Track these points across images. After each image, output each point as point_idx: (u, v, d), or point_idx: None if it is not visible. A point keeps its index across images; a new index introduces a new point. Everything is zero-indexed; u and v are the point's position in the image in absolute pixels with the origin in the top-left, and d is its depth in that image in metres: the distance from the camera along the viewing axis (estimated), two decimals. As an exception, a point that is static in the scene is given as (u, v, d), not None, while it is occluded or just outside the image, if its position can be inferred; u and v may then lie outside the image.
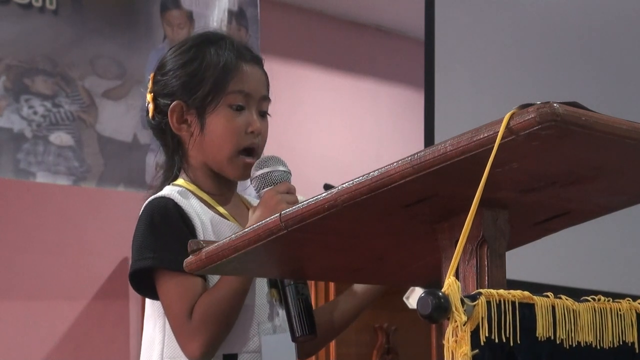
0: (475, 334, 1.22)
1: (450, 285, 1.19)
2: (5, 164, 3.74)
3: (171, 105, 1.98)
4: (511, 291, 1.28)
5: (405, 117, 6.09)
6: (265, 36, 4.60)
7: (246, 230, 1.49)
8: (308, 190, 2.17)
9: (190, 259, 1.56)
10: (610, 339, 1.39)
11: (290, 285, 1.85)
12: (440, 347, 2.25)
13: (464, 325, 1.21)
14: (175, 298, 1.85)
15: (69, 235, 4.61)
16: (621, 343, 1.40)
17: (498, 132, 1.22)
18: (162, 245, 1.86)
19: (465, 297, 1.22)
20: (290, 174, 1.90)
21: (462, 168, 1.28)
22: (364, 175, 1.34)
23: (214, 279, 1.88)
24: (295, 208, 1.41)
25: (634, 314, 1.43)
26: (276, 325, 1.94)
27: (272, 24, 5.13)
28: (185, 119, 1.98)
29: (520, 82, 3.85)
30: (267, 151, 1.98)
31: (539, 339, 1.30)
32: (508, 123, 1.22)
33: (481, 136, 1.25)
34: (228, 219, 1.96)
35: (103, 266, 4.67)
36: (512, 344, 1.26)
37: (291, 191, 1.87)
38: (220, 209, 1.97)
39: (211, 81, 1.96)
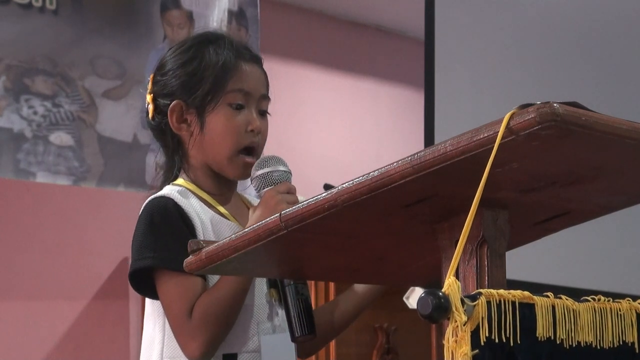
0: (475, 334, 1.22)
1: (451, 285, 1.19)
2: (5, 164, 3.74)
3: (171, 105, 1.98)
4: (511, 291, 1.28)
5: (405, 117, 6.08)
6: (265, 36, 4.60)
7: (246, 230, 1.49)
8: (308, 190, 2.16)
9: (190, 259, 1.56)
10: (610, 339, 1.39)
11: (290, 285, 1.85)
12: (440, 347, 2.25)
13: (464, 325, 1.21)
14: (175, 298, 1.85)
15: (69, 235, 4.61)
16: (621, 343, 1.40)
17: (498, 132, 1.22)
18: (162, 244, 1.86)
19: (465, 297, 1.22)
20: (291, 174, 1.90)
21: (462, 168, 1.28)
22: (364, 175, 1.34)
23: (213, 278, 1.88)
24: (295, 208, 1.41)
25: (634, 314, 1.43)
26: (276, 325, 1.94)
27: (272, 24, 5.13)
28: (185, 119, 1.98)
29: (520, 82, 3.85)
30: (267, 151, 1.98)
31: (539, 339, 1.30)
32: (508, 123, 1.22)
33: (481, 136, 1.25)
34: (228, 219, 1.96)
35: (103, 266, 4.67)
36: (512, 344, 1.26)
37: (291, 191, 1.87)
38: (221, 209, 1.97)
39: (210, 80, 1.96)
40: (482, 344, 1.22)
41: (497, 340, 1.24)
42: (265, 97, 2.01)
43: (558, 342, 1.32)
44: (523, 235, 1.64)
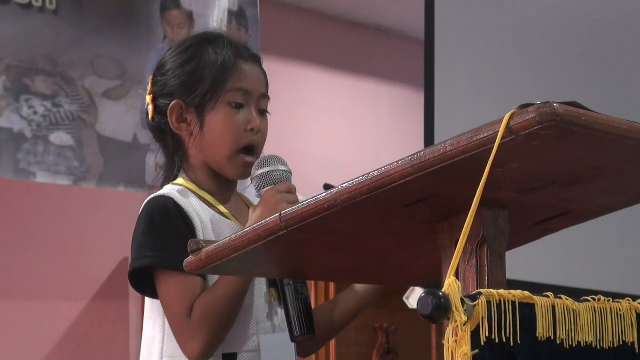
0: (475, 334, 1.22)
1: (451, 285, 1.19)
2: (5, 164, 3.74)
3: (170, 105, 1.98)
4: (511, 291, 1.28)
5: (405, 117, 6.08)
6: (265, 36, 4.60)
7: (246, 230, 1.49)
8: (308, 190, 2.16)
9: (190, 259, 1.56)
10: (610, 339, 1.39)
11: (289, 285, 1.85)
12: (440, 347, 2.25)
13: (464, 325, 1.21)
14: (175, 297, 1.85)
15: (69, 235, 4.61)
16: (621, 343, 1.40)
17: (498, 132, 1.22)
18: (162, 244, 1.86)
19: (465, 297, 1.22)
20: (291, 173, 1.90)
21: (462, 168, 1.28)
22: (364, 175, 1.34)
23: (213, 278, 1.88)
24: (295, 208, 1.41)
25: (634, 314, 1.43)
26: (275, 324, 1.94)
27: (272, 24, 5.13)
28: (184, 118, 1.98)
29: (520, 82, 3.85)
30: (267, 151, 1.98)
31: (539, 339, 1.30)
32: (508, 123, 1.22)
33: (481, 136, 1.25)
34: (228, 218, 1.96)
35: (103, 266, 4.67)
36: (512, 344, 1.26)
37: (292, 191, 1.87)
38: (221, 208, 1.97)
39: (210, 79, 1.96)
40: (482, 344, 1.22)
41: (497, 340, 1.24)
42: (265, 96, 2.01)
43: (558, 342, 1.32)
44: (523, 235, 1.64)
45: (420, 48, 3.93)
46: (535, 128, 1.21)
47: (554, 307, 1.32)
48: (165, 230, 1.88)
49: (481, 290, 1.26)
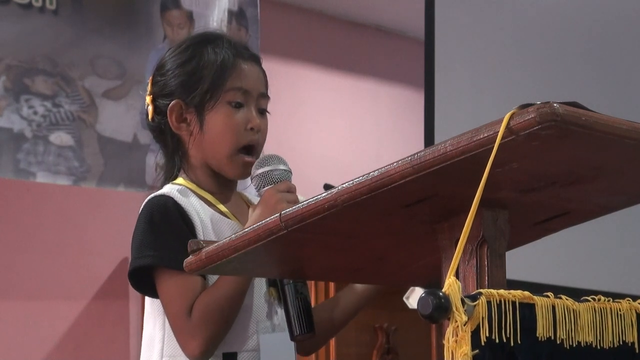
0: (475, 334, 1.22)
1: (451, 285, 1.19)
2: (5, 164, 3.74)
3: (170, 105, 1.98)
4: (511, 291, 1.28)
5: (405, 117, 6.09)
6: (265, 36, 4.60)
7: (246, 230, 1.49)
8: (308, 190, 2.16)
9: (190, 259, 1.56)
10: (610, 339, 1.39)
11: (289, 284, 1.85)
12: (440, 347, 2.25)
13: (464, 325, 1.21)
14: (175, 296, 1.85)
15: (69, 235, 4.61)
16: (621, 343, 1.40)
17: (498, 132, 1.22)
18: (162, 243, 1.86)
19: (465, 297, 1.22)
20: (291, 172, 1.90)
21: (462, 168, 1.28)
22: (364, 175, 1.34)
23: (213, 277, 1.88)
24: (295, 208, 1.41)
25: (634, 314, 1.43)
26: (275, 324, 1.94)
27: (272, 24, 5.13)
28: (184, 118, 1.98)
29: (520, 82, 3.85)
30: (267, 151, 1.98)
31: (540, 339, 1.30)
32: (508, 123, 1.22)
33: (481, 136, 1.25)
34: (228, 217, 1.96)
35: (103, 266, 4.67)
36: (512, 344, 1.26)
37: (291, 190, 1.87)
38: (221, 207, 1.97)
39: (209, 79, 1.96)
40: (483, 344, 1.22)
41: (497, 340, 1.24)
42: (265, 96, 2.01)
43: (558, 342, 1.32)
44: (523, 235, 1.64)
45: (420, 48, 3.93)
46: (535, 128, 1.21)
47: (554, 307, 1.32)
48: (165, 229, 1.88)
49: (481, 290, 1.26)
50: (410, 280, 2.07)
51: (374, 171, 1.33)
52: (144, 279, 1.90)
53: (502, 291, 1.27)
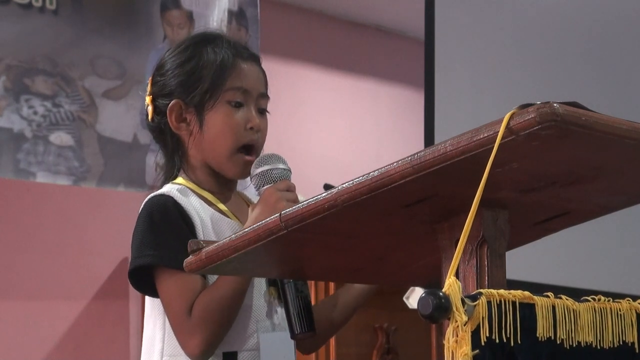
0: (475, 334, 1.22)
1: (451, 285, 1.19)
2: (5, 164, 3.74)
3: (170, 105, 1.98)
4: (511, 291, 1.28)
5: (405, 117, 6.09)
6: (265, 36, 4.60)
7: (246, 230, 1.49)
8: (308, 190, 2.17)
9: (190, 259, 1.56)
10: (610, 339, 1.39)
11: (289, 283, 1.85)
12: (440, 347, 2.25)
13: (464, 325, 1.21)
14: (175, 295, 1.86)
15: (69, 235, 4.61)
16: (621, 343, 1.40)
17: (498, 132, 1.22)
18: (162, 242, 1.86)
19: (465, 297, 1.22)
20: (290, 171, 1.90)
21: (462, 168, 1.28)
22: (364, 175, 1.34)
23: (213, 276, 1.88)
24: (295, 208, 1.41)
25: (634, 314, 1.43)
26: (275, 323, 1.94)
27: (272, 24, 5.13)
28: (184, 118, 1.98)
29: (520, 82, 3.85)
30: (267, 151, 1.98)
31: (540, 339, 1.30)
32: (508, 123, 1.22)
33: (481, 136, 1.25)
34: (228, 216, 1.96)
35: (103, 266, 4.67)
36: (512, 344, 1.26)
37: (291, 189, 1.87)
38: (221, 206, 1.97)
39: (209, 78, 1.97)
40: (483, 344, 1.22)
41: (497, 341, 1.24)
42: (264, 96, 2.01)
43: (558, 342, 1.32)
44: (523, 235, 1.64)
45: (420, 48, 3.93)
46: (535, 128, 1.21)
47: (554, 307, 1.32)
48: (165, 228, 1.88)
49: (481, 290, 1.26)
50: (410, 280, 2.07)
51: (374, 171, 1.33)
52: (144, 279, 1.90)
53: (502, 291, 1.27)
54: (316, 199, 1.38)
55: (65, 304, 4.57)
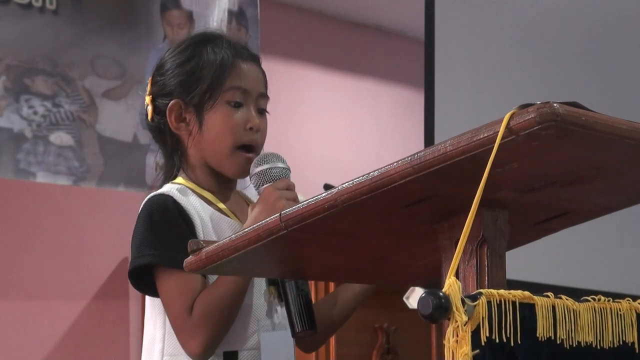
0: (475, 334, 1.22)
1: (451, 285, 1.19)
2: (5, 164, 3.74)
3: (169, 104, 1.98)
4: (512, 291, 1.28)
5: (405, 117, 6.09)
6: (265, 36, 4.60)
7: (246, 230, 1.49)
8: (308, 190, 2.17)
9: (190, 259, 1.56)
10: (610, 339, 1.39)
11: (289, 282, 1.85)
12: (441, 347, 2.25)
13: (464, 325, 1.21)
14: (175, 295, 1.86)
15: (69, 235, 4.61)
16: (621, 343, 1.40)
17: (498, 132, 1.22)
18: (162, 242, 1.86)
19: (466, 297, 1.22)
20: (290, 170, 1.90)
21: (462, 168, 1.28)
22: (364, 175, 1.34)
23: (213, 276, 1.88)
24: (295, 208, 1.41)
25: (634, 314, 1.43)
26: (275, 322, 1.94)
27: (272, 24, 5.13)
28: (183, 118, 1.98)
29: (520, 82, 3.85)
30: (267, 151, 1.98)
31: (540, 339, 1.30)
32: (508, 123, 1.22)
33: (481, 136, 1.25)
34: (228, 216, 1.96)
35: (103, 266, 4.67)
36: (512, 344, 1.26)
37: (290, 188, 1.87)
38: (220, 205, 1.97)
39: (209, 78, 1.97)
40: (483, 344, 1.22)
41: (497, 341, 1.24)
42: (264, 96, 2.01)
43: (558, 342, 1.32)
44: (523, 235, 1.64)
45: (420, 48, 3.93)
46: (535, 128, 1.21)
47: (554, 307, 1.32)
48: (164, 228, 1.88)
49: (481, 290, 1.26)
50: (410, 280, 2.07)
51: (374, 171, 1.33)
52: (144, 278, 1.90)
53: (502, 291, 1.27)
54: (316, 199, 1.38)
55: (65, 304, 4.57)
